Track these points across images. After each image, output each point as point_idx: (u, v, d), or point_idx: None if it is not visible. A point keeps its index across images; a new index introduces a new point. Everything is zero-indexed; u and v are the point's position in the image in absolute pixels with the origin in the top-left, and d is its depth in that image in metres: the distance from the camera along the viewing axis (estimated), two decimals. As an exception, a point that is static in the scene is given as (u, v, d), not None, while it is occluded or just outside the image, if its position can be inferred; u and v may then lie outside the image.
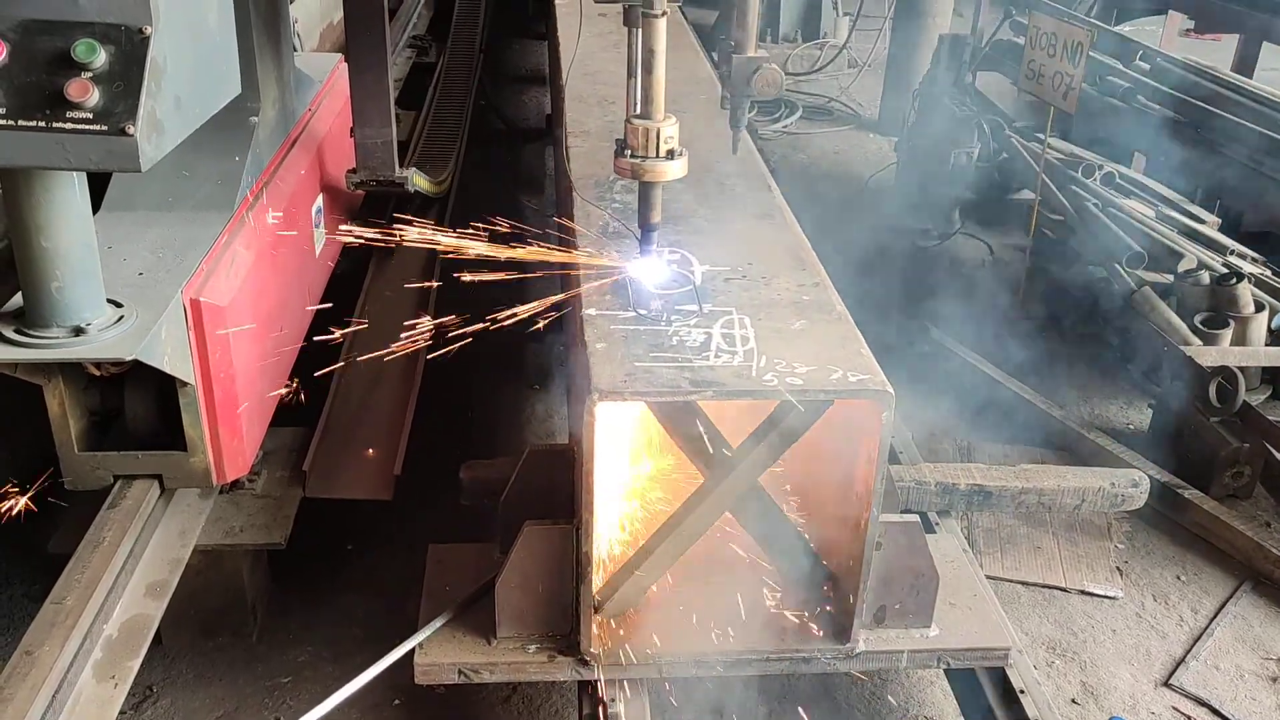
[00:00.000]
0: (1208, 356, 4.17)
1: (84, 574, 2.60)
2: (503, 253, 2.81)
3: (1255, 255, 4.95)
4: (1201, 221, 5.21)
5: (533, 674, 2.69)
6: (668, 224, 2.92)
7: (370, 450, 3.52)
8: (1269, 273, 4.86)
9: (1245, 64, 6.45)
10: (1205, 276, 4.68)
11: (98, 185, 2.85)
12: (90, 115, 2.10)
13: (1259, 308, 4.56)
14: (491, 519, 2.82)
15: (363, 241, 3.34)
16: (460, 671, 2.63)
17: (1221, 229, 5.24)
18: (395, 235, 3.13)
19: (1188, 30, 9.71)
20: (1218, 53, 7.67)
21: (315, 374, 3.40)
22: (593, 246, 2.94)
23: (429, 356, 2.86)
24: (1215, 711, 3.19)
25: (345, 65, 3.80)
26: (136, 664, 2.55)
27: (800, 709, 3.05)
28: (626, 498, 2.91)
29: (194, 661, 3.20)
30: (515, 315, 2.72)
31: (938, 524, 3.35)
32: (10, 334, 2.52)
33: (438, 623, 2.69)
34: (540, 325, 2.77)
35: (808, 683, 3.16)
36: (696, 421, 2.57)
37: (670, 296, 2.70)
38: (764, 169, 3.72)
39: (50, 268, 2.46)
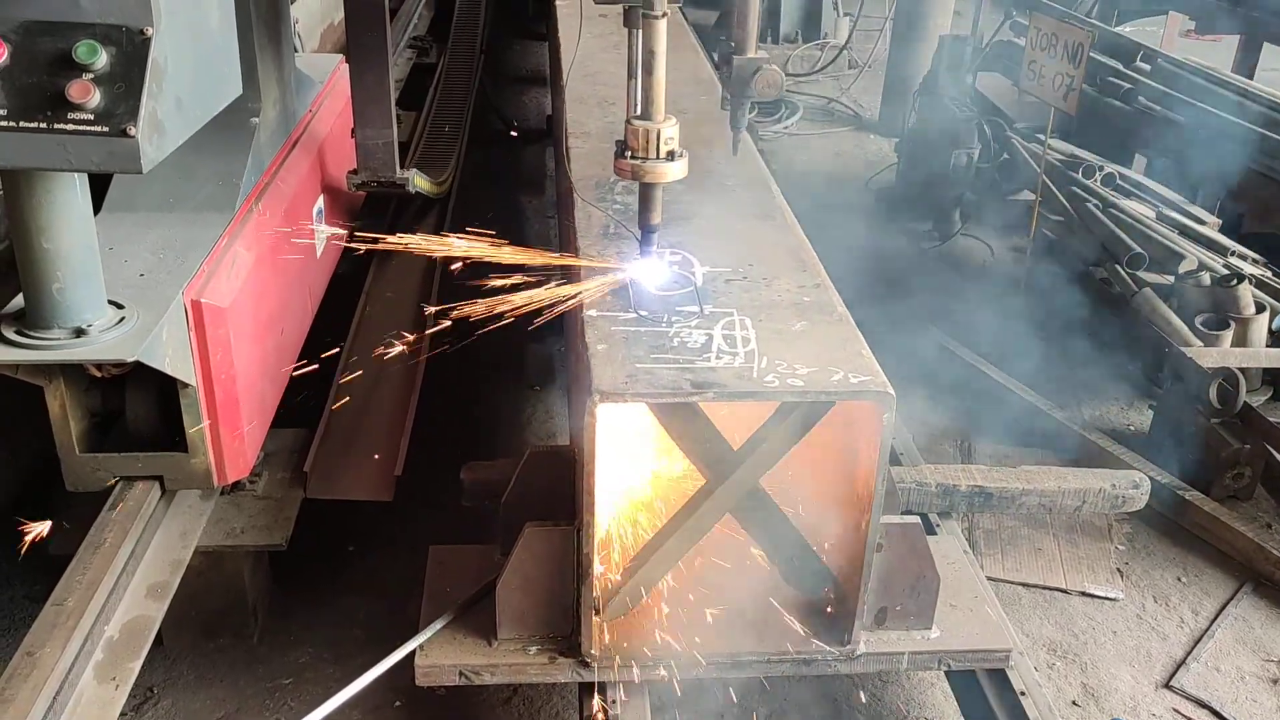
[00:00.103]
0: (1208, 358, 4.17)
1: (85, 575, 2.60)
2: (504, 255, 2.80)
3: (1256, 256, 4.95)
4: (1202, 223, 5.21)
5: (533, 675, 2.69)
6: (668, 225, 2.92)
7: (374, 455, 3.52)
8: (1269, 274, 4.86)
9: (1246, 65, 6.46)
10: (1206, 278, 4.68)
11: (99, 186, 2.85)
12: (91, 116, 2.10)
13: (1259, 309, 4.56)
14: (492, 520, 2.81)
15: (363, 249, 3.33)
16: (461, 673, 2.63)
17: (1222, 230, 5.24)
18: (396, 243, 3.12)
19: (1188, 31, 9.71)
20: (1218, 53, 7.67)
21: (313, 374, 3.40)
22: (593, 248, 2.94)
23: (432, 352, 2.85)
24: (1216, 713, 3.19)
25: (346, 66, 3.80)
26: (137, 665, 2.55)
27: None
28: (627, 499, 2.91)
29: (195, 663, 3.20)
30: (517, 308, 2.71)
31: (938, 525, 3.35)
32: (11, 335, 2.52)
33: (439, 624, 2.68)
34: (540, 320, 2.76)
35: (808, 685, 3.16)
36: (697, 423, 2.57)
37: (671, 298, 2.70)
38: (765, 170, 3.72)
39: (51, 269, 2.46)
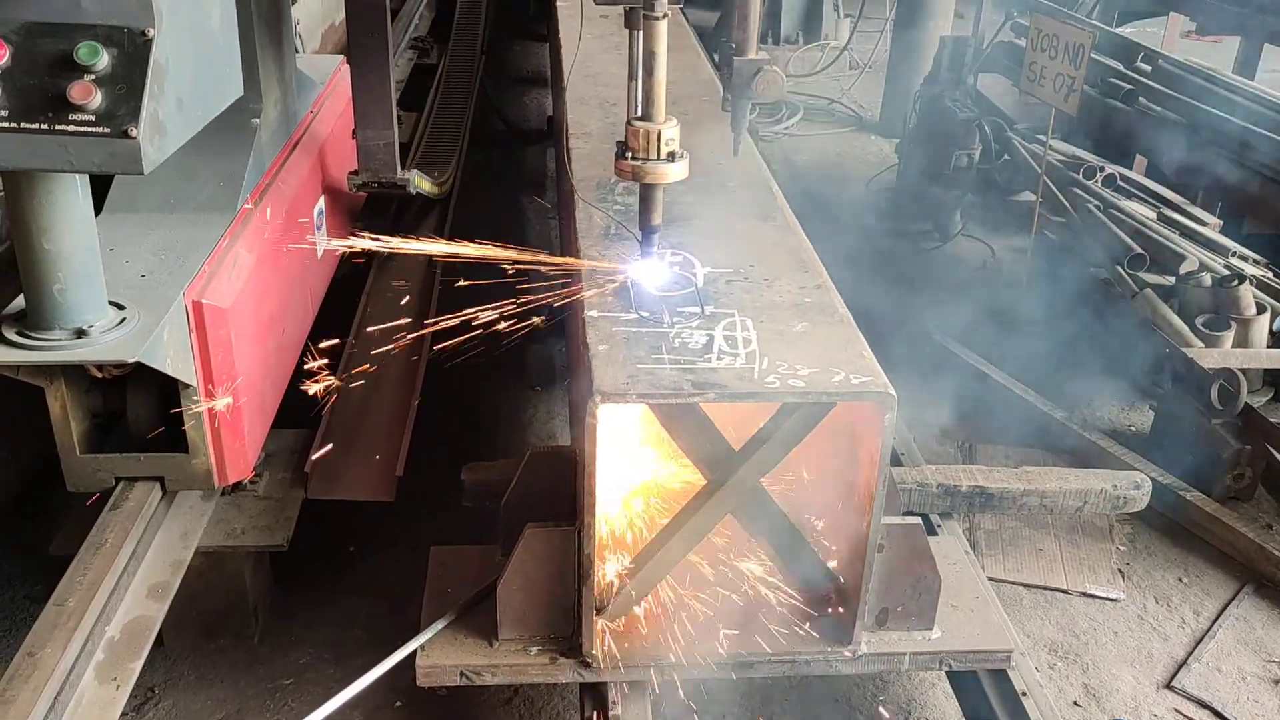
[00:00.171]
0: (1209, 358, 4.17)
1: (86, 576, 2.60)
2: (504, 255, 2.80)
3: (1257, 257, 4.95)
4: (1203, 223, 5.21)
5: (534, 676, 2.69)
6: (669, 226, 2.92)
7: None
8: (1270, 275, 4.85)
9: (1246, 66, 6.46)
10: (1207, 278, 4.68)
11: (100, 187, 2.85)
12: (93, 117, 2.10)
13: (1260, 310, 4.55)
14: (493, 521, 2.81)
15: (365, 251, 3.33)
16: (462, 673, 2.63)
17: (1223, 231, 5.23)
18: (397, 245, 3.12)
19: (1189, 32, 9.72)
20: (1219, 54, 7.67)
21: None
22: (594, 248, 2.94)
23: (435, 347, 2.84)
24: (1217, 714, 3.19)
25: (347, 67, 3.80)
26: (138, 666, 2.55)
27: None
28: (628, 500, 2.91)
29: (196, 663, 3.20)
30: (519, 305, 2.71)
31: (939, 526, 3.35)
32: (12, 336, 2.52)
33: (440, 625, 2.68)
34: (541, 320, 2.76)
35: (809, 685, 3.16)
36: (699, 424, 2.57)
37: (672, 298, 2.70)
38: (765, 171, 3.72)
39: (52, 270, 2.46)
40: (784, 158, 7.67)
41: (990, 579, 3.41)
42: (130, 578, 2.73)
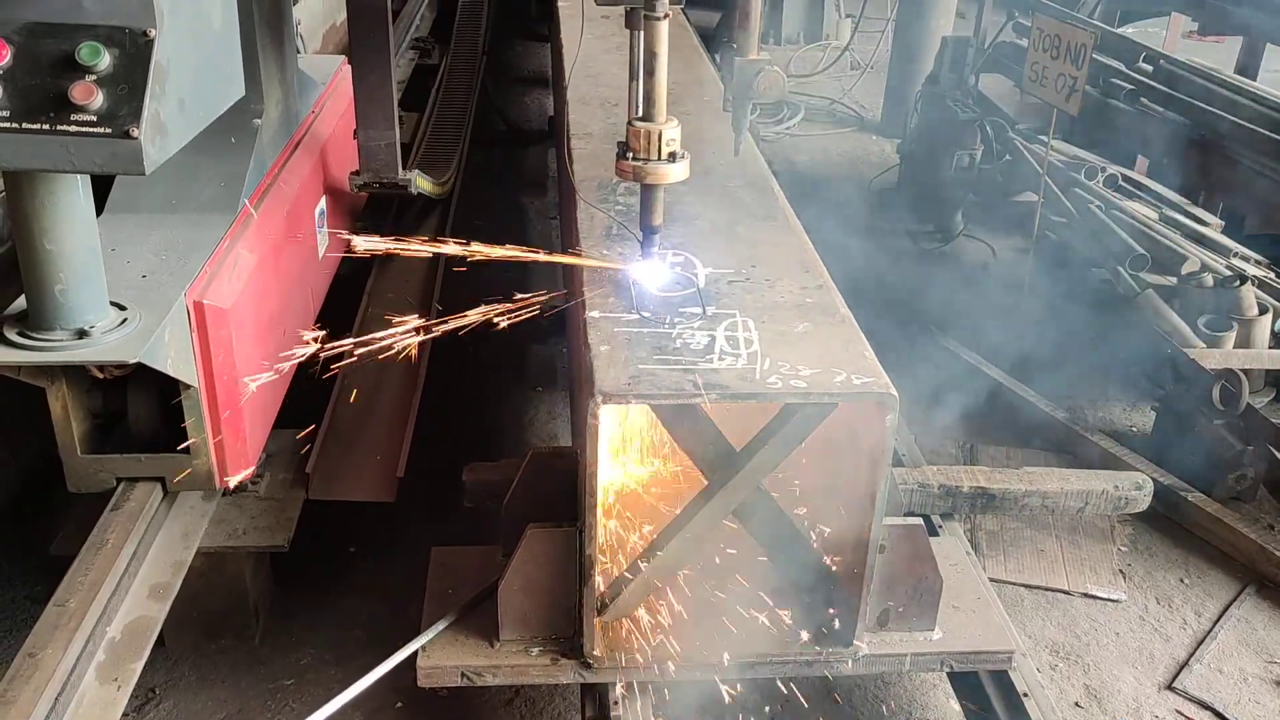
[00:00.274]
0: (1211, 359, 4.17)
1: (87, 576, 2.60)
2: (506, 255, 2.80)
3: (1259, 258, 4.94)
4: (1205, 224, 5.20)
5: (535, 677, 2.69)
6: (670, 226, 2.92)
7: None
8: (1272, 275, 4.85)
9: (1248, 66, 6.45)
10: (1209, 279, 4.68)
11: (101, 187, 2.85)
12: (94, 118, 2.10)
13: (1262, 310, 4.55)
14: (494, 522, 2.81)
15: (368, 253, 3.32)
16: (463, 674, 2.63)
17: (1224, 231, 5.23)
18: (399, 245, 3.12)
19: (1191, 32, 9.71)
20: (1220, 55, 7.66)
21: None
22: (596, 249, 2.93)
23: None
24: (1219, 715, 3.19)
25: (348, 67, 3.80)
26: (139, 666, 2.55)
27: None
28: (630, 500, 2.91)
29: (197, 664, 3.20)
30: (521, 303, 2.71)
31: (941, 527, 3.34)
32: (13, 336, 2.52)
33: (440, 625, 2.68)
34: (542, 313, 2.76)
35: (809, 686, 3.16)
36: (700, 424, 2.57)
37: (673, 299, 2.70)
38: (766, 171, 3.72)
39: (54, 270, 2.46)
40: (785, 158, 7.67)
41: (991, 580, 3.40)
42: (131, 578, 2.72)
